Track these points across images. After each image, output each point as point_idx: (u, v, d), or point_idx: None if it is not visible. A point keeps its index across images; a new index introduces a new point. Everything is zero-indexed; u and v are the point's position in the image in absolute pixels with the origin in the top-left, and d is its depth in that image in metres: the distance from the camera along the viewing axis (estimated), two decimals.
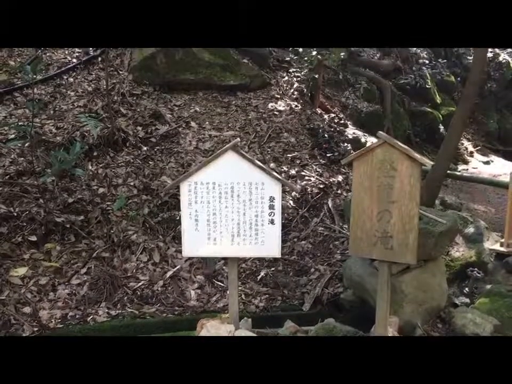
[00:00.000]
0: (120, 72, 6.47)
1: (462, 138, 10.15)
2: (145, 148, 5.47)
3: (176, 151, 5.58)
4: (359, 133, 7.27)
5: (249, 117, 6.42)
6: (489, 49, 11.48)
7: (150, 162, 5.33)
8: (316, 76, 7.20)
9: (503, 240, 4.78)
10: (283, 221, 4.96)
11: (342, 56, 7.81)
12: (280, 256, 3.13)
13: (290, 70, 7.75)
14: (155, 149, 5.53)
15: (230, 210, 2.94)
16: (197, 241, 2.98)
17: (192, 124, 6.04)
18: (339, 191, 5.67)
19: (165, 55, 6.50)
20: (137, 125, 5.73)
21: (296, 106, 7.01)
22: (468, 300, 4.12)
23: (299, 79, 7.58)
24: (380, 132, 2.91)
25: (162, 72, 6.49)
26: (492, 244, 4.82)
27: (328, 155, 6.20)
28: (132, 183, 5.00)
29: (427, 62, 10.60)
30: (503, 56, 12.47)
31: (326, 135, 6.50)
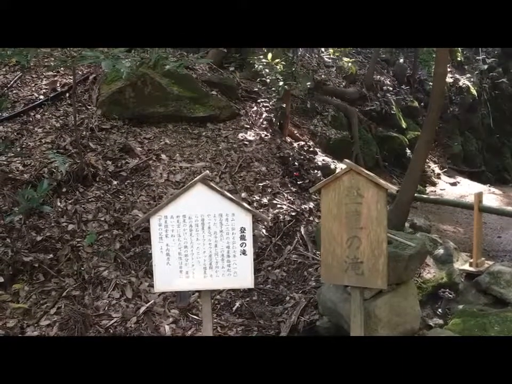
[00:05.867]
0: (89, 107, 6.46)
1: (428, 161, 10.44)
2: (115, 182, 5.43)
3: (147, 184, 5.55)
4: (328, 159, 7.40)
5: (220, 148, 6.47)
6: (449, 75, 11.97)
7: (121, 197, 5.28)
8: (284, 105, 7.34)
9: (472, 260, 4.87)
10: (256, 250, 4.96)
11: (309, 86, 7.99)
12: (253, 287, 3.12)
13: (259, 100, 7.88)
14: (125, 183, 5.49)
15: (201, 242, 2.94)
16: (169, 275, 2.95)
17: (163, 156, 6.04)
18: (311, 218, 5.72)
19: (133, 89, 6.53)
20: (107, 159, 5.69)
21: (265, 135, 7.10)
22: (441, 321, 4.17)
23: (268, 108, 7.71)
24: (345, 159, 2.98)
25: (131, 106, 6.50)
26: (462, 264, 4.90)
27: (299, 182, 6.28)
28: (102, 218, 4.94)
29: (391, 88, 10.95)
30: (463, 81, 13.01)
31: (296, 163, 6.61)
